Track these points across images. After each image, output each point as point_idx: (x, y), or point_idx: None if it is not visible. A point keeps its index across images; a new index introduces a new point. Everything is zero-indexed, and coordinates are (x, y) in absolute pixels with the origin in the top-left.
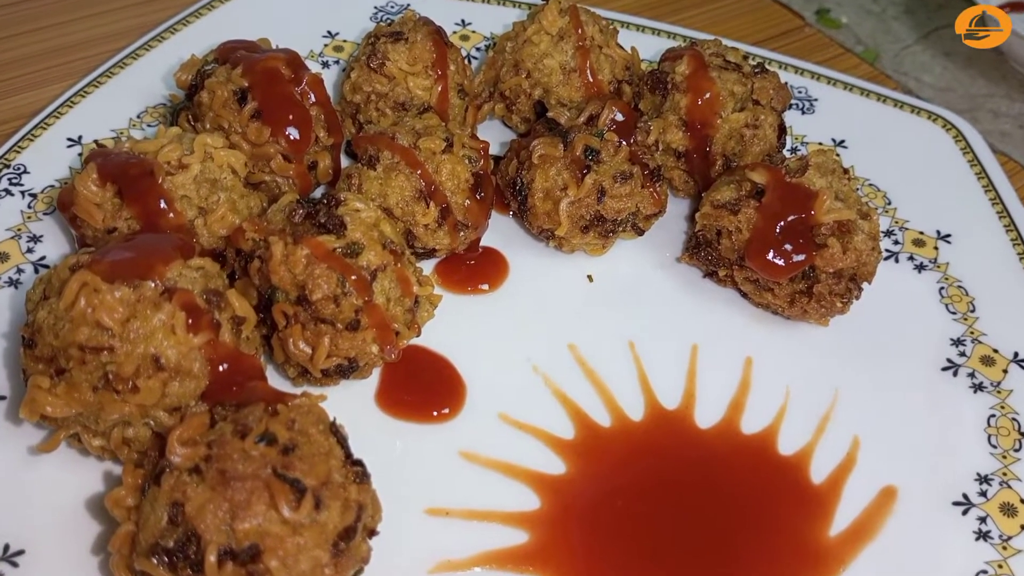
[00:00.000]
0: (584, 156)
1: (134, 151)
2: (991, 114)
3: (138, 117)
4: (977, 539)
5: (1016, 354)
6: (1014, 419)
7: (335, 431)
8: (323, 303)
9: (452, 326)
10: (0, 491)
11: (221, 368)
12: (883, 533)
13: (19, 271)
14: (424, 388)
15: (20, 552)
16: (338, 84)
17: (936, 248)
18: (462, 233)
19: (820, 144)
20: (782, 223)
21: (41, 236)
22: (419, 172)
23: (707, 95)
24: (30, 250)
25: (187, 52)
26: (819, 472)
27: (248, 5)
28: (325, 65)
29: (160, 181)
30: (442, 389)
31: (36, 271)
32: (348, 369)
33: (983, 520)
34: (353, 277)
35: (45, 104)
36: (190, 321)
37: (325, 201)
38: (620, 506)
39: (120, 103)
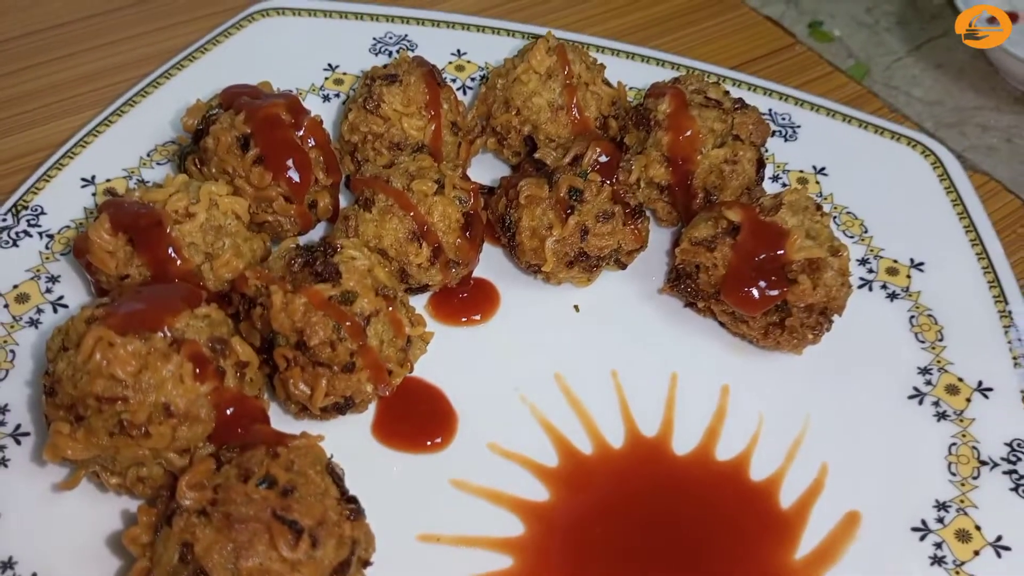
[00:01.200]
0: (568, 196)
1: (144, 200)
2: (979, 128)
3: (148, 156)
4: (932, 564)
5: (980, 383)
6: (974, 447)
7: (331, 471)
8: (320, 348)
9: (445, 358)
10: (27, 524)
11: (227, 412)
12: (845, 557)
13: (39, 311)
14: (418, 419)
15: None
16: (337, 120)
17: (909, 277)
18: (454, 270)
19: (801, 172)
20: (756, 260)
21: (59, 276)
22: (412, 214)
23: (688, 133)
24: (49, 290)
25: (194, 87)
26: (788, 497)
27: (252, 42)
28: (326, 99)
29: (168, 230)
30: (435, 420)
31: (55, 311)
32: (345, 406)
33: (939, 546)
34: (348, 324)
35: (56, 138)
36: (197, 371)
37: (322, 249)
38: (598, 532)
39: (130, 142)
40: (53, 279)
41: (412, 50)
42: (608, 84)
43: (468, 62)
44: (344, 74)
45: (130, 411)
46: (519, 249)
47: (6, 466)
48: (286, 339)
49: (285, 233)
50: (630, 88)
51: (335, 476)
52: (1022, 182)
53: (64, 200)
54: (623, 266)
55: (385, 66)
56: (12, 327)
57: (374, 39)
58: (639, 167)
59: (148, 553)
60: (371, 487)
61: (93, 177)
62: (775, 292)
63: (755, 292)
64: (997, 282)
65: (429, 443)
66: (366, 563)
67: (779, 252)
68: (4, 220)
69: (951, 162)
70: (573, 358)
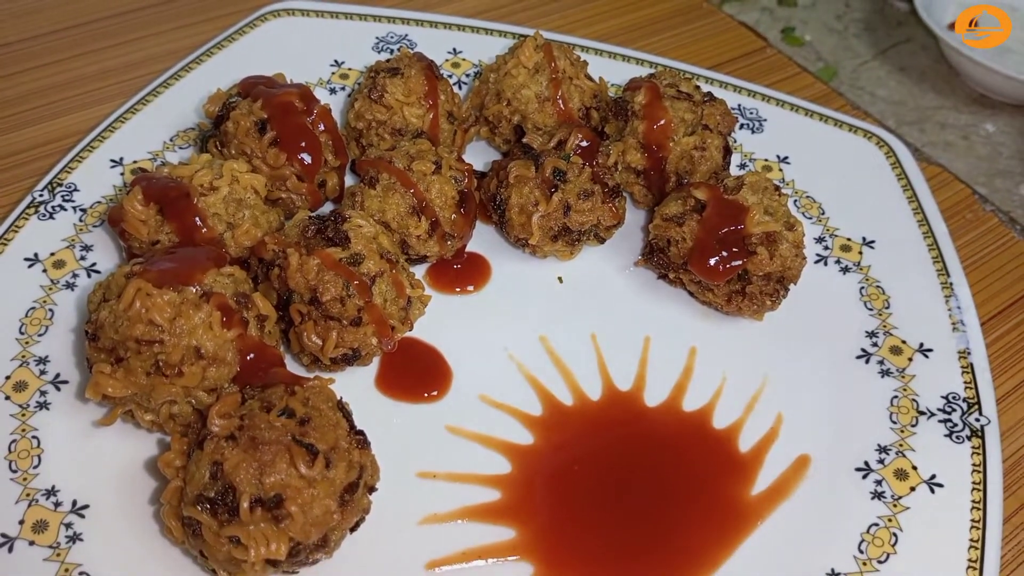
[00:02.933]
0: (553, 177)
1: (172, 175)
2: (938, 125)
3: (171, 140)
4: (873, 498)
5: (921, 344)
6: (914, 400)
7: (341, 407)
8: (331, 303)
9: (441, 321)
10: (69, 458)
11: (249, 357)
12: (796, 493)
13: (74, 275)
14: (417, 374)
15: (86, 506)
16: (344, 110)
17: (861, 253)
18: (449, 242)
19: (766, 160)
20: (719, 234)
21: (92, 245)
22: (412, 191)
23: (661, 122)
24: (83, 257)
25: (212, 80)
26: (746, 443)
27: (265, 40)
28: (332, 91)
29: (195, 201)
30: (432, 375)
31: (89, 276)
32: (352, 358)
33: (879, 483)
34: (356, 282)
35: (87, 124)
36: (224, 319)
37: (332, 218)
38: (577, 471)
39: (155, 128)
40: (86, 248)
41: (412, 49)
42: (590, 79)
43: (463, 60)
44: (349, 70)
45: (165, 353)
46: (508, 224)
47: (48, 409)
48: (300, 296)
49: (297, 210)
50: (612, 85)
51: (344, 412)
52: (975, 174)
53: (95, 179)
54: (602, 241)
55: (388, 60)
56: (51, 289)
57: (377, 38)
58: (616, 152)
59: (181, 475)
60: (375, 431)
61: (121, 159)
62: (736, 262)
63: (718, 263)
64: (940, 258)
65: (427, 395)
66: (371, 488)
67: (740, 226)
68: (41, 195)
69: (903, 152)
70: (557, 323)
